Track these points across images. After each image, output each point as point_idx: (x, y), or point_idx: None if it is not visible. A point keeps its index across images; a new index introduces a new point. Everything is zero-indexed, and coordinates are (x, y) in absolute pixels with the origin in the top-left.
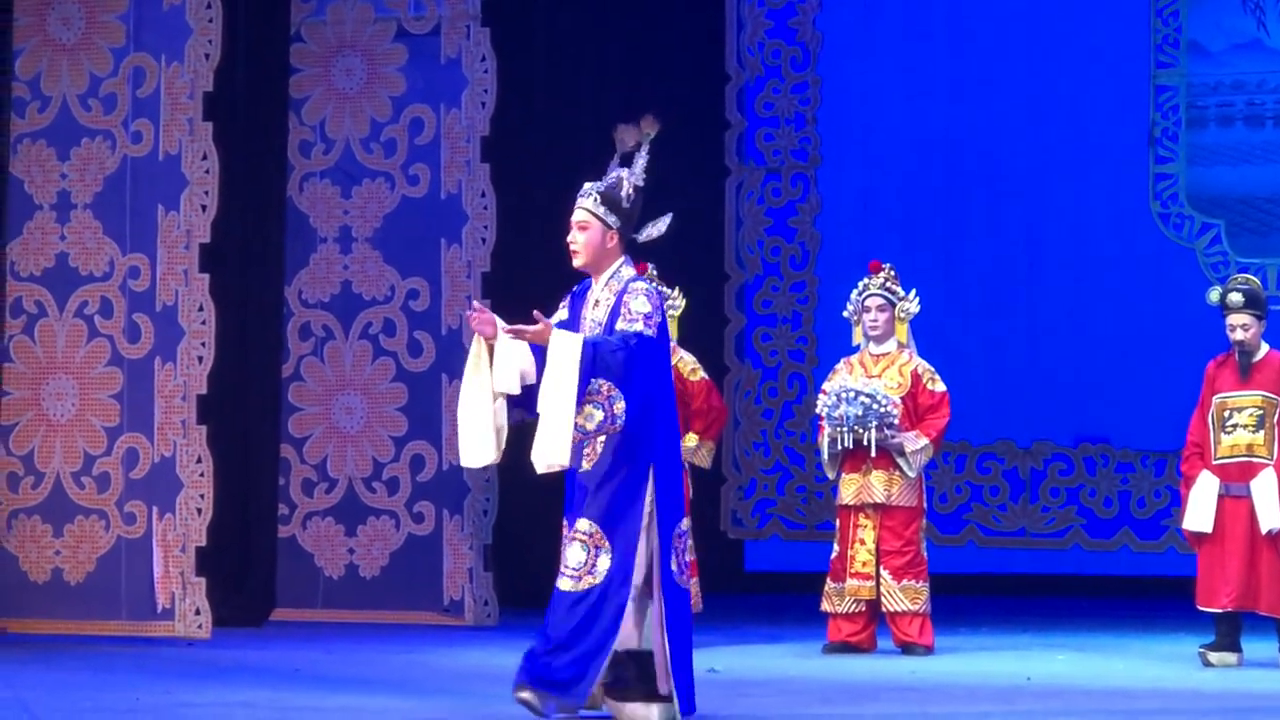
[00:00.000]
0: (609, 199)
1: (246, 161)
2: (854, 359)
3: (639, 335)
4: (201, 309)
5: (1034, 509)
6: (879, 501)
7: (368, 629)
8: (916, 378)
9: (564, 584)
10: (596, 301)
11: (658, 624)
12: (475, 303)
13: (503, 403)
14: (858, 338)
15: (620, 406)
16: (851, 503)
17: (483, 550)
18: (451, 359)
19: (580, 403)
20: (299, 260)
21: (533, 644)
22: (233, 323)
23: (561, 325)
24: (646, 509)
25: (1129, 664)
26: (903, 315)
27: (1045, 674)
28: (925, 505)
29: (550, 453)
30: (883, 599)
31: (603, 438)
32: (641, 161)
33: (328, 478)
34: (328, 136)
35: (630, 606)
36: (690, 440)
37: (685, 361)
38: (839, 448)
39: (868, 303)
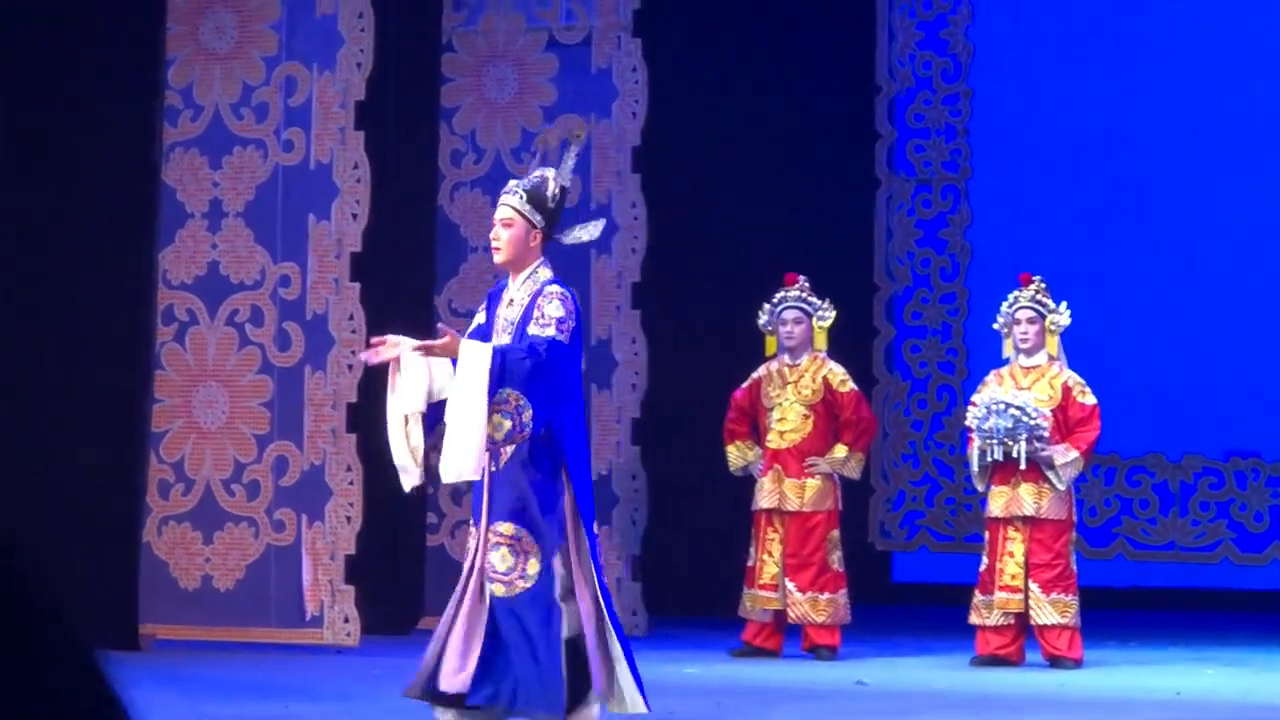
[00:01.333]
0: (535, 197)
1: (397, 171)
2: (1004, 371)
3: (550, 341)
4: (352, 318)
5: (1184, 522)
6: (1028, 514)
7: None
8: (1067, 390)
9: (497, 590)
10: (511, 300)
11: (597, 624)
12: (369, 349)
13: (417, 422)
14: (1008, 350)
15: (528, 415)
16: (1000, 515)
17: (631, 560)
18: (601, 368)
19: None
20: (449, 269)
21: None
22: (382, 331)
23: (480, 328)
24: (568, 511)
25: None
26: (1053, 327)
27: (1195, 688)
28: (1075, 518)
29: (459, 465)
30: (1031, 612)
31: (512, 445)
32: (570, 163)
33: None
34: (478, 146)
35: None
36: (839, 451)
37: (835, 373)
38: (988, 460)
39: (1018, 315)
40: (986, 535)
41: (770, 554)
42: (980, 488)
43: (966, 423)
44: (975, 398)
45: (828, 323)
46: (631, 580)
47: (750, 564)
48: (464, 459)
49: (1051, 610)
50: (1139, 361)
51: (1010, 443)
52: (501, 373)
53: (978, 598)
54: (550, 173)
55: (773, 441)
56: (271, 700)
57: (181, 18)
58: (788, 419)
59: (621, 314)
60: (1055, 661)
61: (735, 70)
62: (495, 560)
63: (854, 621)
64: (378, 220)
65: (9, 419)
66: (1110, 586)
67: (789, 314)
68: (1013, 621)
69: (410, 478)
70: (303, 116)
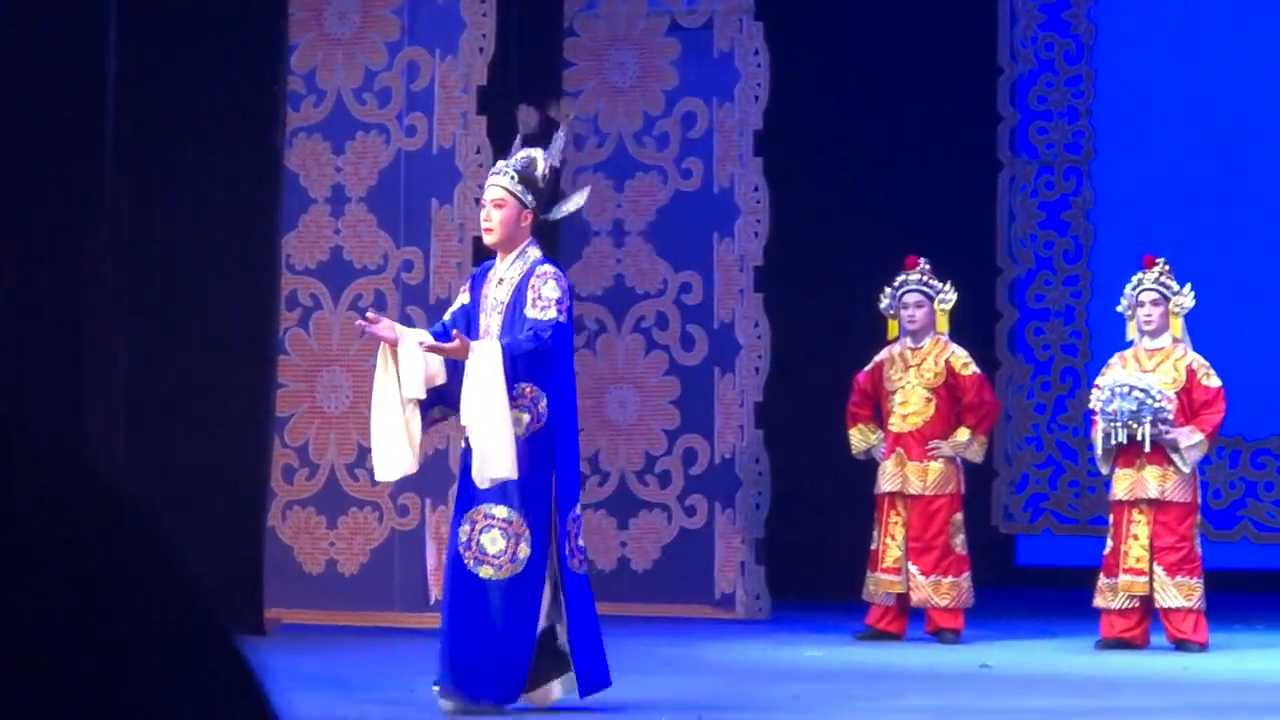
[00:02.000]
0: (526, 178)
1: None
2: (1128, 354)
3: (554, 325)
4: None
5: None
6: (1153, 497)
7: (639, 621)
8: (1191, 373)
9: (485, 571)
10: (500, 280)
11: (558, 608)
12: (370, 313)
13: (415, 410)
14: (1131, 332)
15: (544, 404)
16: (1125, 498)
17: (754, 544)
18: (724, 353)
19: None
20: (572, 254)
21: (447, 639)
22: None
23: (463, 308)
24: (552, 494)
25: None
26: (1177, 310)
27: None
28: (1199, 501)
29: (495, 468)
30: (1156, 595)
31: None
32: (560, 143)
33: (599, 470)
34: (601, 130)
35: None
36: (962, 435)
37: (958, 356)
38: (1112, 443)
39: (1142, 297)
40: (1111, 518)
41: (893, 537)
42: (1104, 470)
43: (1090, 405)
44: (1099, 380)
45: (949, 306)
46: (755, 564)
47: (873, 547)
48: (499, 459)
49: (1176, 593)
50: (1264, 344)
51: (1134, 425)
52: (513, 366)
53: (1102, 581)
54: (539, 153)
55: (895, 425)
56: (396, 684)
57: (304, 3)
58: (910, 402)
59: (744, 298)
60: (1180, 645)
61: (857, 53)
62: (486, 543)
63: (977, 605)
64: None
65: (134, 404)
66: (1235, 569)
67: (910, 297)
68: (1137, 605)
69: (400, 465)
70: (425, 101)
